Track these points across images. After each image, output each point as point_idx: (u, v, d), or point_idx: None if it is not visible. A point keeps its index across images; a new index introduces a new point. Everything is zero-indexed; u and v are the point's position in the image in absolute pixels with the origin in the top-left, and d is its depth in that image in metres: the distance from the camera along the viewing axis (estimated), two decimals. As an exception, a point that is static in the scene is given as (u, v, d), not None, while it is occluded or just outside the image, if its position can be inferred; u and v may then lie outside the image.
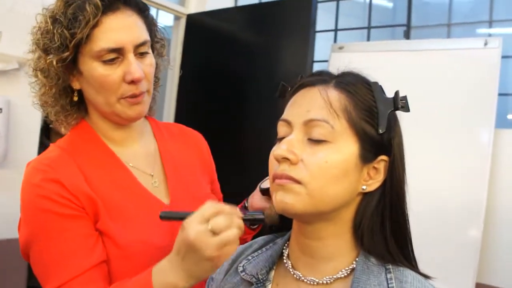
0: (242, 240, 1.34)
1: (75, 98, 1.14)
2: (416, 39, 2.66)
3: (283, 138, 0.87)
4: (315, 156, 0.82)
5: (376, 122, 0.85)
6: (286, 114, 0.89)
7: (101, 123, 1.16)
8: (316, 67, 2.84)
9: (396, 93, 0.87)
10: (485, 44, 2.26)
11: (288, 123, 0.87)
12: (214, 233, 0.83)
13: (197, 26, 3.33)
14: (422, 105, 2.16)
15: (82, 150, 1.12)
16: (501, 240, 2.14)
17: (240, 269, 0.95)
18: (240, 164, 2.81)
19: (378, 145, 0.85)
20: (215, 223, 0.83)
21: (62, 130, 1.20)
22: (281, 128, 0.89)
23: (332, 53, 2.71)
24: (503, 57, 2.26)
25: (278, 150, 0.84)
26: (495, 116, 2.17)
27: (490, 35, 2.53)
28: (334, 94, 0.85)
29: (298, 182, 0.82)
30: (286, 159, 0.83)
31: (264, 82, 2.94)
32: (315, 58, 2.81)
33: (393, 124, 0.88)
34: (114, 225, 1.05)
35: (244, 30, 3.12)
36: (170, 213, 0.91)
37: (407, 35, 2.64)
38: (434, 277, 0.89)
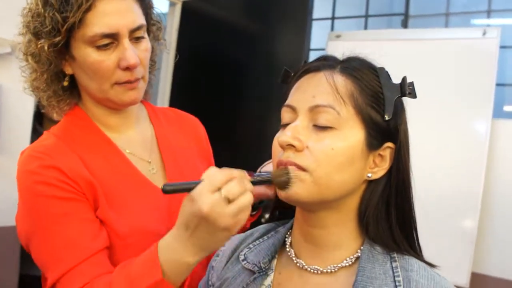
0: (241, 228, 1.32)
1: (66, 83, 1.10)
2: (414, 28, 2.65)
3: (287, 124, 0.84)
4: (321, 143, 0.80)
5: (383, 108, 0.83)
6: (290, 100, 0.87)
7: (95, 109, 1.13)
8: (313, 55, 2.82)
9: (404, 79, 0.86)
10: (484, 34, 2.25)
11: (293, 109, 0.85)
12: (229, 201, 0.76)
13: (193, 12, 3.29)
14: (419, 94, 2.13)
15: (77, 137, 1.09)
16: (496, 231, 2.15)
17: (242, 257, 0.94)
18: (236, 150, 2.79)
19: (385, 132, 0.84)
20: (229, 191, 0.76)
21: (55, 116, 1.17)
22: (285, 114, 0.87)
23: (329, 41, 2.69)
24: (501, 47, 2.25)
25: (283, 136, 0.82)
26: (492, 106, 2.16)
27: (488, 25, 2.51)
28: (340, 80, 0.83)
29: (303, 169, 0.80)
30: (291, 145, 0.81)
31: (260, 69, 2.91)
32: (312, 46, 2.79)
33: (399, 111, 0.86)
34: (114, 213, 1.03)
35: (240, 17, 3.09)
36: (174, 185, 0.82)
37: (404, 24, 2.62)
38: (439, 266, 0.88)
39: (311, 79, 0.86)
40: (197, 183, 0.78)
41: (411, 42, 2.40)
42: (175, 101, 3.30)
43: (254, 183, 0.82)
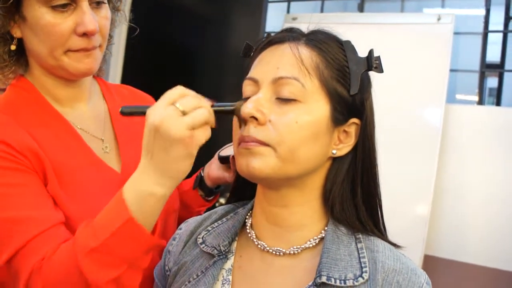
0: (197, 213, 1.27)
1: (13, 47, 1.00)
2: (370, 12, 2.65)
3: (249, 98, 0.80)
4: (284, 117, 0.77)
5: (349, 82, 0.80)
6: (252, 72, 0.83)
7: (44, 79, 1.03)
8: (268, 38, 2.77)
9: (370, 52, 0.83)
10: (438, 19, 2.26)
11: (255, 81, 0.81)
12: (183, 113, 0.73)
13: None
14: (373, 78, 2.15)
15: (23, 110, 0.99)
16: (448, 214, 2.19)
17: (200, 240, 0.89)
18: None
19: (350, 107, 0.81)
20: (183, 103, 0.73)
21: None
22: (247, 87, 0.83)
23: (285, 24, 2.65)
24: (455, 33, 2.27)
25: (244, 108, 0.77)
26: (446, 92, 2.19)
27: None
28: (305, 51, 0.80)
29: (266, 144, 0.76)
30: (253, 118, 0.76)
31: (215, 52, 2.85)
32: (268, 29, 2.74)
33: (366, 86, 0.84)
34: (64, 193, 0.94)
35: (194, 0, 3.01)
36: (131, 107, 0.80)
37: (360, 8, 2.62)
38: (404, 246, 0.86)
39: (275, 50, 0.82)
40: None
41: (367, 26, 2.39)
42: (126, 83, 3.19)
43: (216, 111, 0.78)
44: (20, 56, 1.03)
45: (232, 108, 0.80)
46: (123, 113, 0.79)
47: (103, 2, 1.00)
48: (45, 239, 0.85)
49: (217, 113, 0.77)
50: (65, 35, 0.95)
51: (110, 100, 1.15)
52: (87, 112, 1.09)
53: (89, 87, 1.11)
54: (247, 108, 0.77)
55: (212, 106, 0.77)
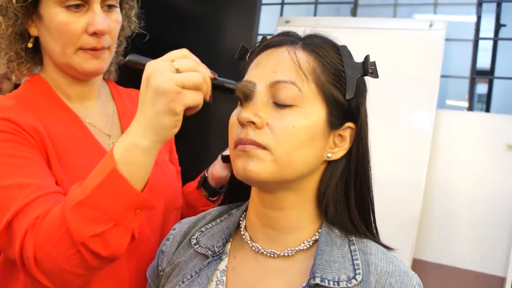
0: (200, 212, 1.28)
1: (30, 45, 1.06)
2: (363, 17, 2.67)
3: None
4: (282, 121, 0.77)
5: (344, 87, 0.81)
6: (249, 75, 0.83)
7: (57, 77, 1.08)
8: (261, 41, 2.77)
9: (366, 57, 0.84)
10: (430, 25, 2.29)
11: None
12: (177, 71, 0.74)
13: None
14: (366, 82, 2.15)
15: (36, 102, 1.04)
16: (437, 218, 2.21)
17: (194, 241, 0.89)
18: (182, 136, 2.72)
19: (346, 111, 0.82)
20: (180, 62, 0.75)
21: (13, 78, 1.12)
22: None
23: (278, 27, 2.67)
24: (447, 39, 2.30)
25: (243, 112, 0.78)
26: (437, 97, 2.21)
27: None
28: (302, 56, 0.81)
29: (263, 147, 0.77)
30: (251, 122, 0.77)
31: (207, 54, 2.84)
32: (261, 32, 2.75)
33: (361, 90, 0.85)
34: (67, 179, 0.96)
35: (187, 0, 3.00)
36: (138, 57, 0.80)
37: (353, 13, 2.63)
38: (396, 249, 0.87)
39: (272, 54, 0.83)
40: None
41: (360, 31, 2.41)
42: (118, 82, 3.17)
43: (215, 84, 0.79)
44: (36, 54, 1.09)
45: (233, 87, 0.80)
46: (129, 62, 0.80)
47: (115, 6, 1.05)
48: (43, 201, 0.86)
49: (216, 87, 0.79)
50: (77, 34, 1.00)
51: (119, 101, 1.19)
52: (96, 109, 1.13)
53: (99, 88, 1.15)
54: (245, 112, 0.77)
55: (213, 79, 0.78)
